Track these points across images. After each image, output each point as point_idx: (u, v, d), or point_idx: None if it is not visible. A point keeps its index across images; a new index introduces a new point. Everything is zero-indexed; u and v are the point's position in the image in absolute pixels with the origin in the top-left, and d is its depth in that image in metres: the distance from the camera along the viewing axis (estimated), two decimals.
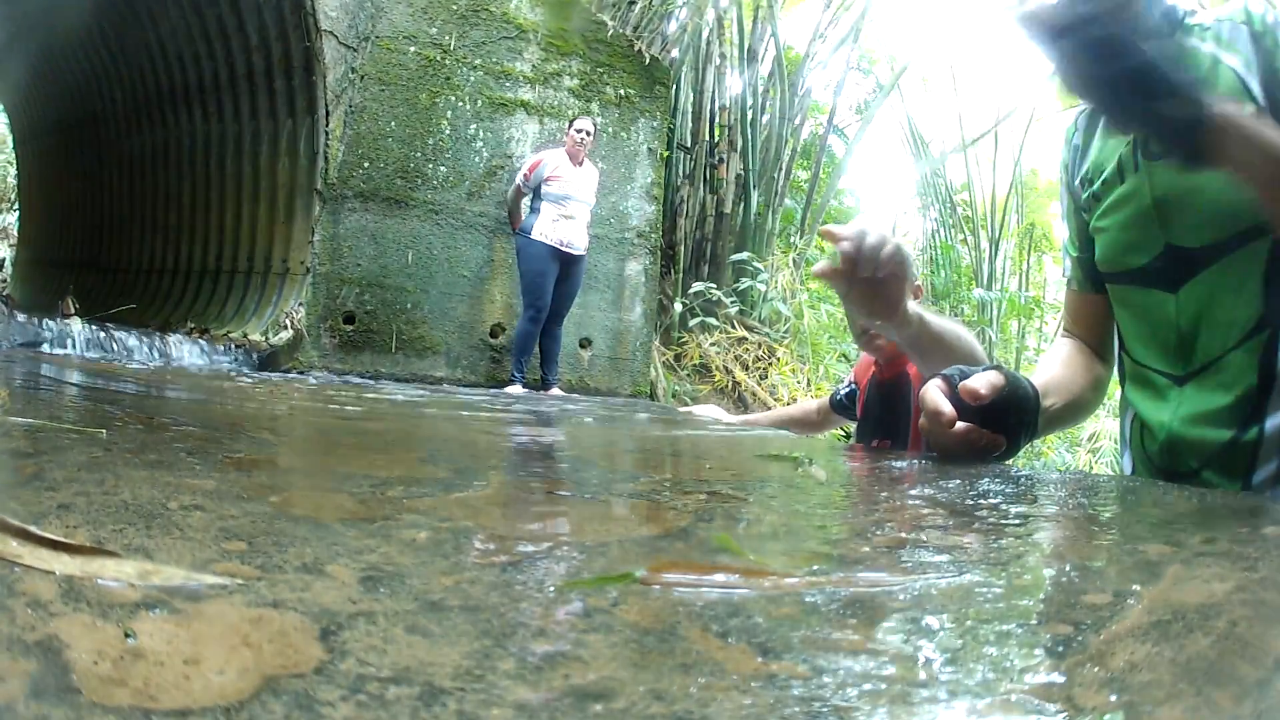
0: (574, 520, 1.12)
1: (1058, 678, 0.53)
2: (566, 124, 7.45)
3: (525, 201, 7.19)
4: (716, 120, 11.61)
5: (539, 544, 0.91)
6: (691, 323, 10.22)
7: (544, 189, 7.08)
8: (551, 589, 0.71)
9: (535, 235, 7.00)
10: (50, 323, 5.85)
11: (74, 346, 5.70)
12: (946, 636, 0.62)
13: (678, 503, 1.23)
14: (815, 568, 0.82)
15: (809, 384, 10.54)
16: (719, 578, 0.74)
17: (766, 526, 1.11)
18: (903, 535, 1.02)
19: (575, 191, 7.11)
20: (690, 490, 1.38)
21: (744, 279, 10.72)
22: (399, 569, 0.73)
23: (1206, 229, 1.62)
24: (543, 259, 7.01)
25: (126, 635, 0.53)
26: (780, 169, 12.00)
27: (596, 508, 1.22)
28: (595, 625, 0.62)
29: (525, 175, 7.15)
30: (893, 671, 0.54)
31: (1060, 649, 0.59)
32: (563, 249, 7.06)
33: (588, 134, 7.18)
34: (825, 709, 0.48)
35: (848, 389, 3.85)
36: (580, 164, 7.22)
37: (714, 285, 10.40)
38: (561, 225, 7.04)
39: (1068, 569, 0.85)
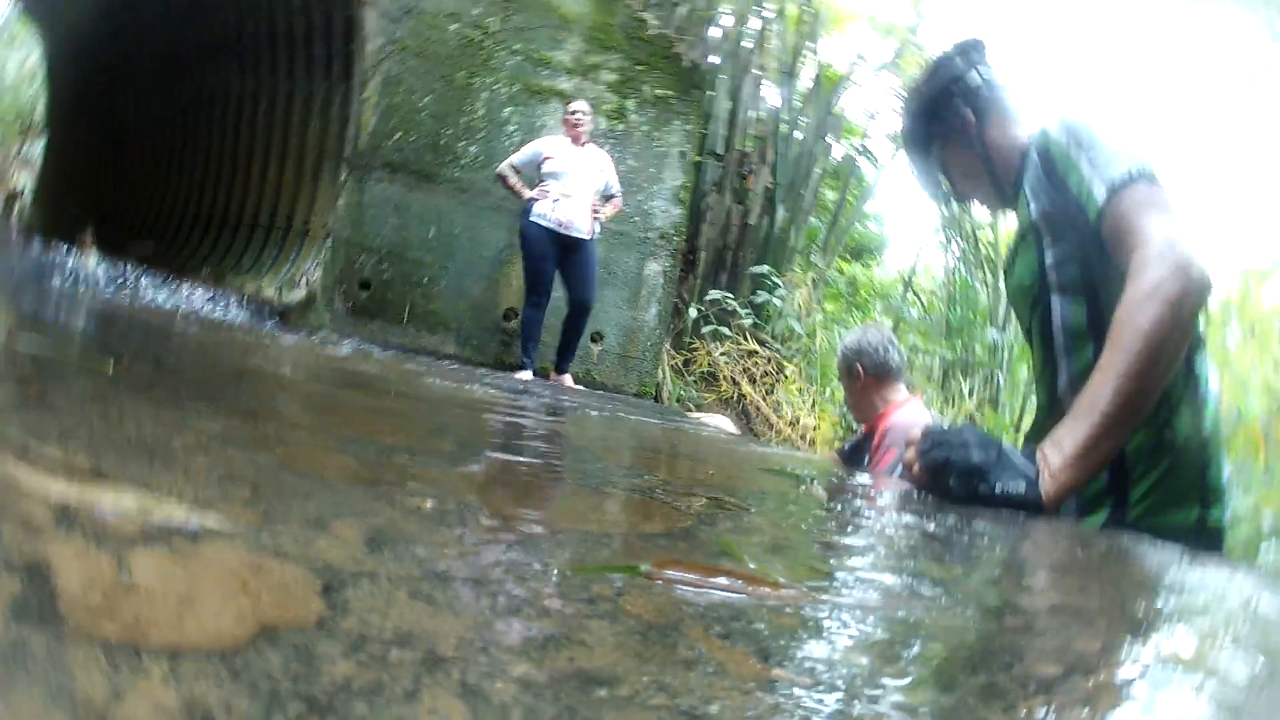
0: (578, 508, 1.11)
1: (1042, 712, 0.54)
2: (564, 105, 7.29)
3: (529, 188, 6.98)
4: (750, 131, 11.58)
5: (543, 526, 0.91)
6: (704, 330, 10.19)
7: (542, 169, 6.93)
8: (556, 572, 0.71)
9: (533, 217, 6.83)
10: (66, 255, 5.84)
11: (88, 281, 5.68)
12: (940, 666, 0.62)
13: (680, 503, 1.23)
14: (814, 584, 0.82)
15: (814, 405, 10.50)
16: (721, 581, 0.74)
17: (767, 537, 1.10)
18: (899, 563, 1.03)
19: (573, 170, 6.93)
20: (693, 494, 1.38)
21: (761, 292, 10.69)
22: (403, 535, 0.72)
23: None
24: (541, 242, 6.82)
25: (120, 568, 0.51)
26: (809, 187, 11.95)
27: (600, 499, 1.22)
28: (600, 612, 0.61)
29: (520, 156, 6.97)
30: (891, 694, 0.54)
31: (1049, 689, 0.58)
32: (561, 230, 6.80)
33: (583, 113, 7.02)
34: None
35: (858, 438, 4.23)
36: (581, 145, 7.07)
37: (731, 295, 10.36)
38: (561, 206, 6.80)
39: (1062, 615, 0.84)
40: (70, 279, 5.49)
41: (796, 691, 0.52)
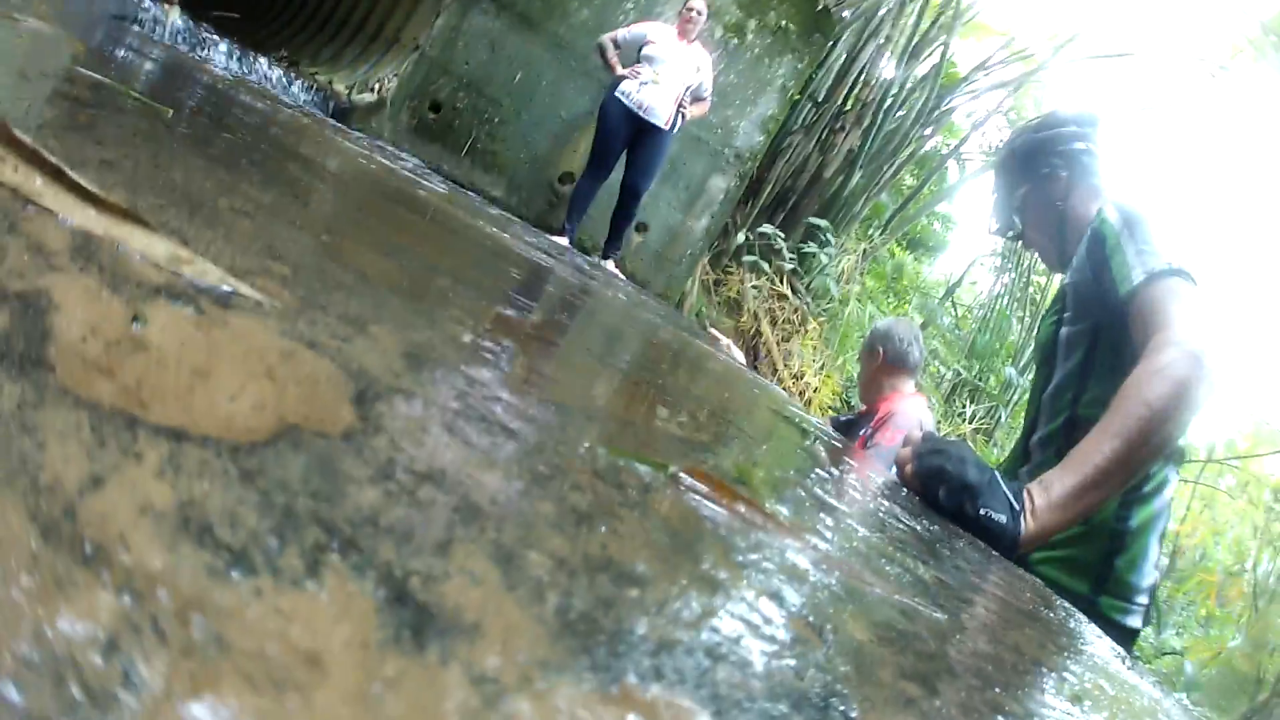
0: (606, 388, 1.09)
1: None
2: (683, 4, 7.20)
3: (619, 64, 6.88)
4: (855, 91, 11.36)
5: (573, 394, 0.88)
6: (745, 258, 10.10)
7: (642, 51, 6.82)
8: (586, 445, 0.68)
9: (617, 93, 6.73)
10: (150, 4, 5.74)
11: (165, 34, 5.59)
12: (928, 659, 0.61)
13: (701, 416, 1.22)
14: (819, 542, 0.80)
15: (822, 368, 10.47)
16: (739, 508, 0.72)
17: (776, 476, 1.10)
18: (889, 549, 1.01)
19: (671, 60, 6.82)
20: (713, 411, 1.37)
21: (812, 244, 10.59)
22: (443, 359, 0.69)
23: None
24: (616, 118, 6.71)
25: (134, 319, 0.44)
26: (892, 165, 11.79)
27: (625, 384, 1.20)
28: (630, 503, 0.59)
29: (625, 33, 6.88)
30: (883, 663, 0.53)
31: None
32: (640, 113, 6.68)
33: (699, 13, 6.89)
34: (838, 683, 0.46)
35: (854, 415, 4.66)
36: (689, 42, 6.96)
37: (782, 235, 10.26)
38: (647, 90, 6.69)
39: (1024, 658, 0.88)
40: (149, 27, 5.42)
41: (812, 646, 0.50)
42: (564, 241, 6.53)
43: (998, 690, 0.65)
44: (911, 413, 4.21)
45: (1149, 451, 1.69)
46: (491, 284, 1.47)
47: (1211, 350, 1.71)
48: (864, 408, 4.55)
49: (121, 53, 2.50)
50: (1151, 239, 1.94)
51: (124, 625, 0.25)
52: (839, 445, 2.01)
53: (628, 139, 6.81)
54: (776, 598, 0.55)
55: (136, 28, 5.25)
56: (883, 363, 4.42)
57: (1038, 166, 2.32)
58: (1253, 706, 6.35)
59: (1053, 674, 0.87)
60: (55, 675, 0.23)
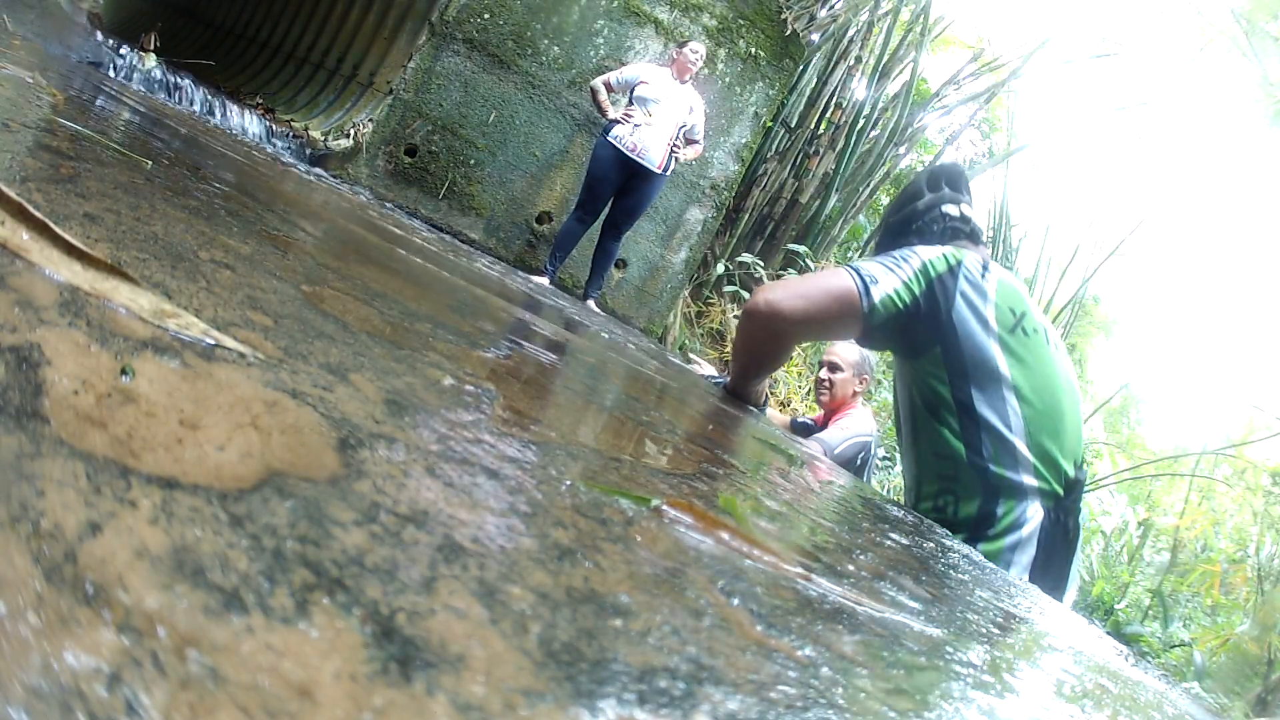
0: (587, 423, 1.10)
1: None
2: (676, 45, 7.21)
3: (616, 108, 6.89)
4: (828, 115, 11.40)
5: (555, 432, 0.88)
6: (726, 288, 10.12)
7: (635, 92, 6.83)
8: (569, 482, 0.69)
9: (610, 137, 6.71)
10: (127, 52, 5.74)
11: (141, 81, 5.60)
12: (925, 675, 0.62)
13: (685, 449, 1.22)
14: (807, 565, 0.80)
15: (809, 393, 10.49)
16: (724, 535, 0.73)
17: (763, 506, 1.09)
18: (881, 568, 1.01)
19: (665, 101, 6.80)
20: (694, 442, 1.36)
21: (792, 270, 10.61)
22: (424, 404, 0.69)
23: None
24: (608, 163, 6.70)
25: (123, 372, 0.46)
26: (868, 186, 11.82)
27: (608, 420, 1.20)
28: (613, 536, 0.59)
29: (617, 75, 6.87)
30: (873, 683, 0.53)
31: None
32: (632, 156, 6.70)
33: (698, 55, 6.88)
34: (823, 702, 0.46)
35: (808, 421, 5.43)
36: (683, 82, 6.96)
37: (761, 263, 10.28)
38: (641, 131, 6.64)
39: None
40: (126, 74, 5.43)
41: (794, 666, 0.50)
42: (544, 282, 6.52)
43: (993, 697, 0.65)
44: (858, 416, 5.03)
45: (744, 361, 2.59)
46: (471, 328, 1.48)
47: (760, 309, 2.36)
48: (821, 417, 5.27)
49: (99, 101, 2.51)
50: (883, 256, 2.41)
51: (125, 659, 0.26)
52: (824, 468, 2.02)
53: (618, 183, 6.81)
54: (763, 620, 0.56)
55: (113, 75, 5.27)
56: (864, 384, 5.19)
57: (901, 245, 2.58)
58: (1266, 687, 6.38)
59: (1052, 678, 0.88)
60: (63, 704, 0.24)
